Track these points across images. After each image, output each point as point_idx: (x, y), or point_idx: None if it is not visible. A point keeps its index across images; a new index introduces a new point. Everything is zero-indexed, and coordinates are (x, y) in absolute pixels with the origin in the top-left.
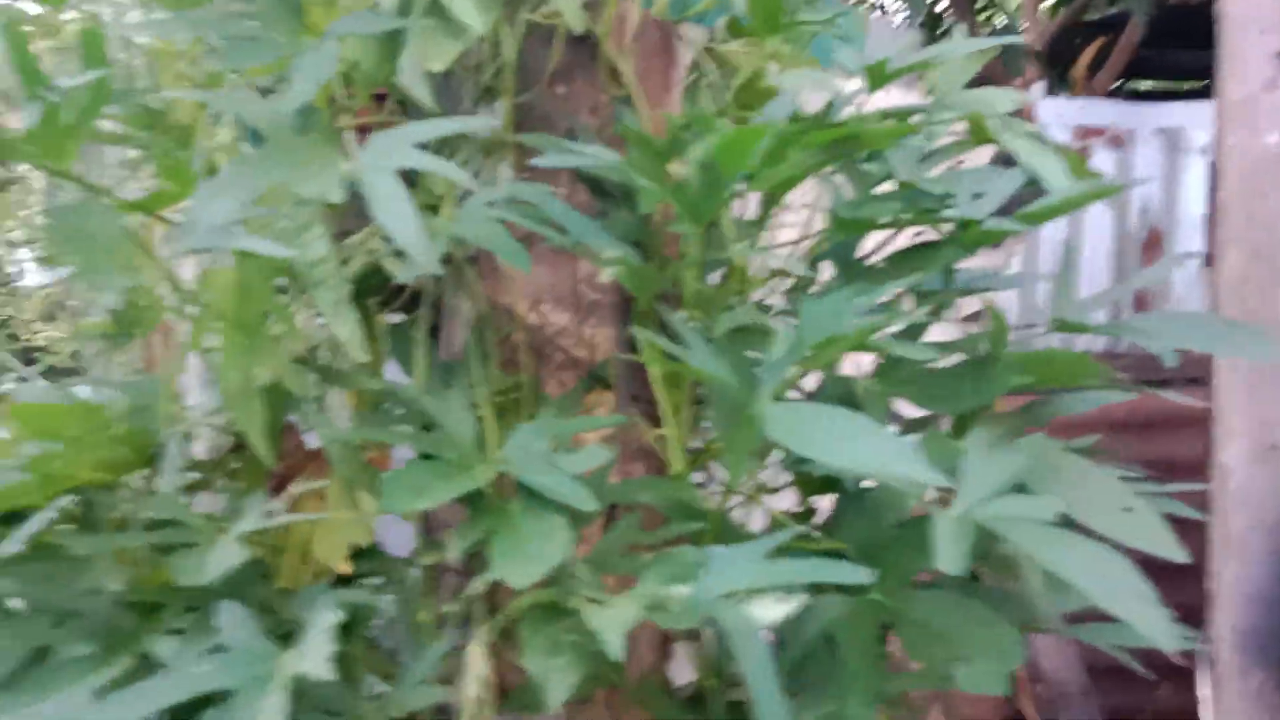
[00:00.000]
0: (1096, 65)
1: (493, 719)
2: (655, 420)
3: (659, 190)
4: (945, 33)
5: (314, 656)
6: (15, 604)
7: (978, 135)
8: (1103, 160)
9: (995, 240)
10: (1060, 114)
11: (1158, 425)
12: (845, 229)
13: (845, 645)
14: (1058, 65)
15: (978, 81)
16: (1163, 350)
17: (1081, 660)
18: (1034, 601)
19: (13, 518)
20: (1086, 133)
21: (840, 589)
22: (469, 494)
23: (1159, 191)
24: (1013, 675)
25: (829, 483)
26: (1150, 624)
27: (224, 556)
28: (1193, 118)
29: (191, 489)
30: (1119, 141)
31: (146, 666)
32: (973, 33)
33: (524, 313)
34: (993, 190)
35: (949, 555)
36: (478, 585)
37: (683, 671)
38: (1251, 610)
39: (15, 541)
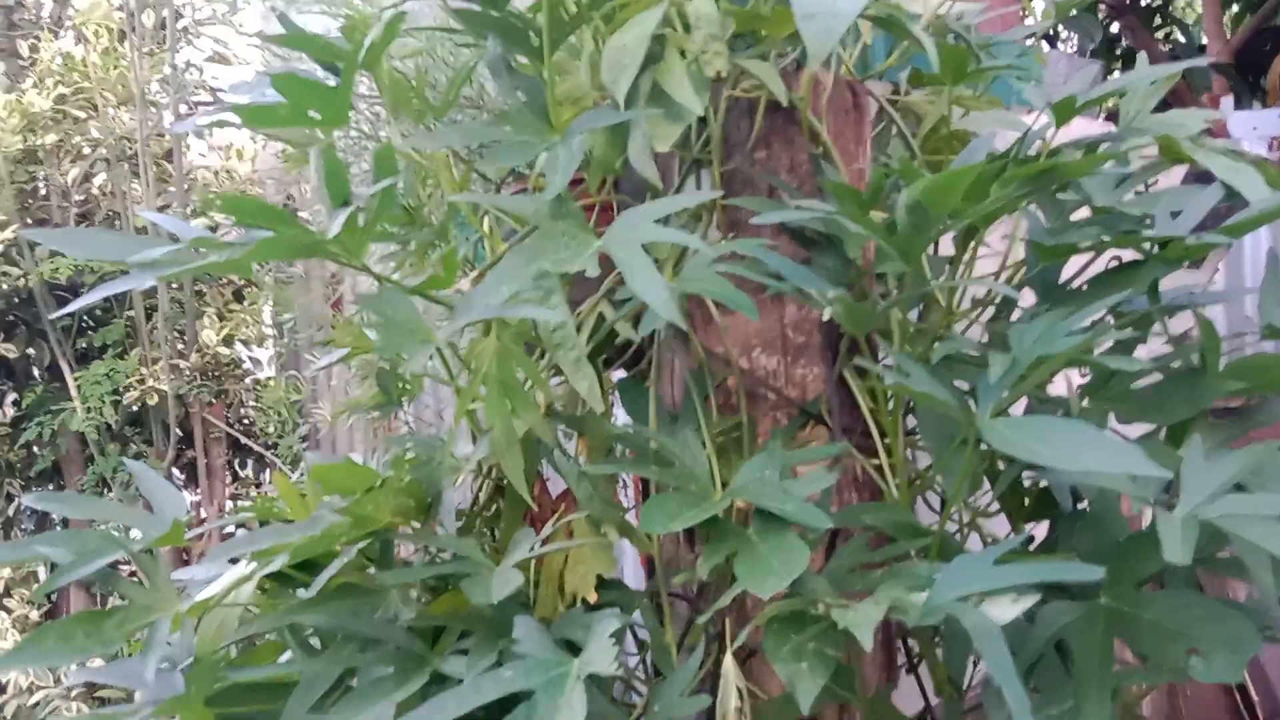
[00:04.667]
0: None
1: None
2: (868, 452)
3: (867, 234)
4: (1123, 53)
5: (601, 659)
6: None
7: (1170, 155)
8: None
9: (1198, 255)
10: (1254, 126)
11: None
12: (1047, 255)
13: (1077, 647)
14: (1248, 76)
15: (1163, 103)
16: None
17: None
18: (1267, 609)
19: (311, 567)
20: None
21: (1068, 595)
22: (708, 521)
23: None
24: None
25: (1041, 508)
26: None
27: (506, 579)
28: None
29: (459, 533)
30: None
31: (438, 682)
32: (1152, 54)
33: (737, 359)
34: (1190, 207)
35: (1175, 549)
36: (725, 600)
37: (908, 701)
38: None
39: (323, 579)
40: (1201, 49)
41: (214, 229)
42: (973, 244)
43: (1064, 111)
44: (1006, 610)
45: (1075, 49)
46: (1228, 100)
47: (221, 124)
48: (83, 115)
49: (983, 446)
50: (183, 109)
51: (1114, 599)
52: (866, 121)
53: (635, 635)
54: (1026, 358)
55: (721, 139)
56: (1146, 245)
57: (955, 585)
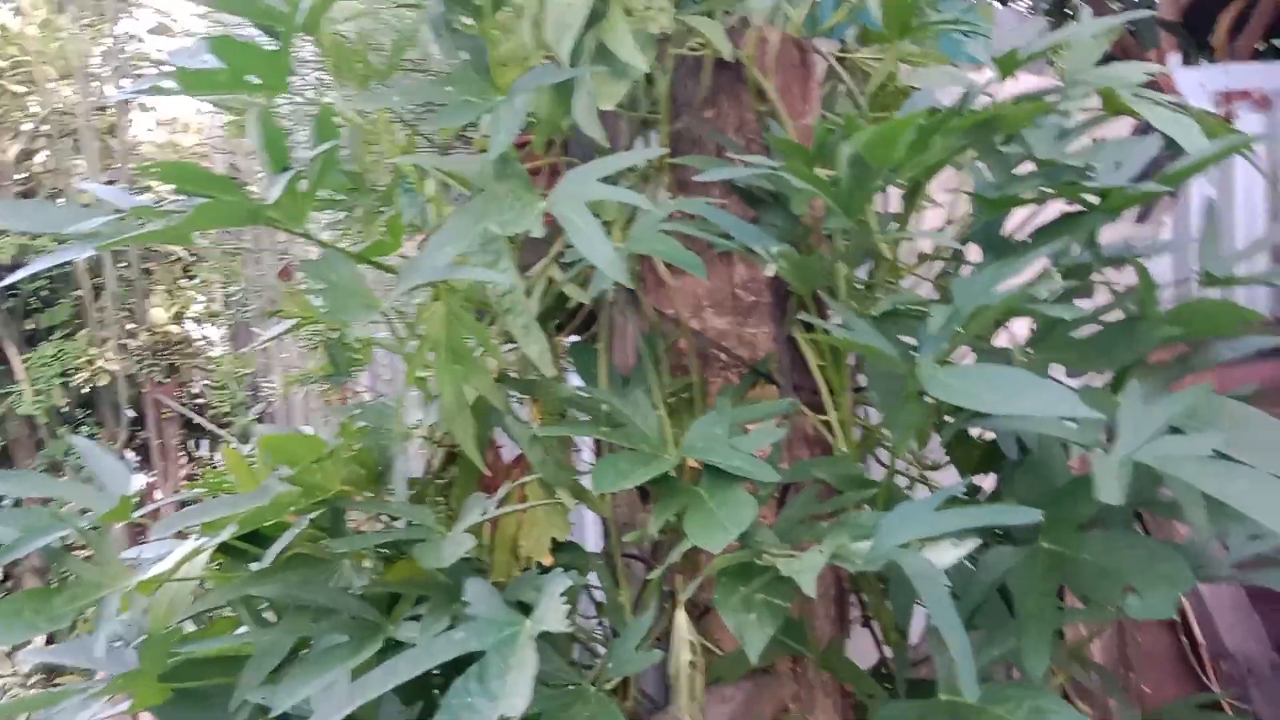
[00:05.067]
0: (1237, 29)
1: (700, 685)
2: (817, 408)
3: (812, 190)
4: (1074, 12)
5: (552, 617)
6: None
7: (1112, 108)
8: (1249, 123)
9: (1135, 203)
10: (1201, 81)
11: None
12: (989, 208)
13: (1018, 589)
14: (1196, 33)
15: (1111, 58)
16: None
17: (1270, 635)
18: (1203, 551)
19: (263, 540)
20: (1230, 97)
21: (1010, 541)
22: (659, 479)
23: None
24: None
25: (989, 459)
26: None
27: (458, 543)
28: None
29: (413, 501)
30: (1265, 103)
31: (393, 649)
32: (1100, 11)
33: (687, 320)
34: (1131, 158)
35: (1109, 488)
36: (674, 556)
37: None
38: None
39: (274, 550)
40: (1150, 7)
41: (159, 203)
42: (918, 199)
43: (1007, 64)
44: (947, 555)
45: (1029, 7)
46: (1176, 58)
47: (160, 91)
48: (21, 90)
49: (926, 398)
50: (125, 82)
51: (1054, 542)
52: (814, 79)
53: (594, 597)
54: (966, 308)
55: (669, 98)
56: (1089, 197)
57: (897, 532)
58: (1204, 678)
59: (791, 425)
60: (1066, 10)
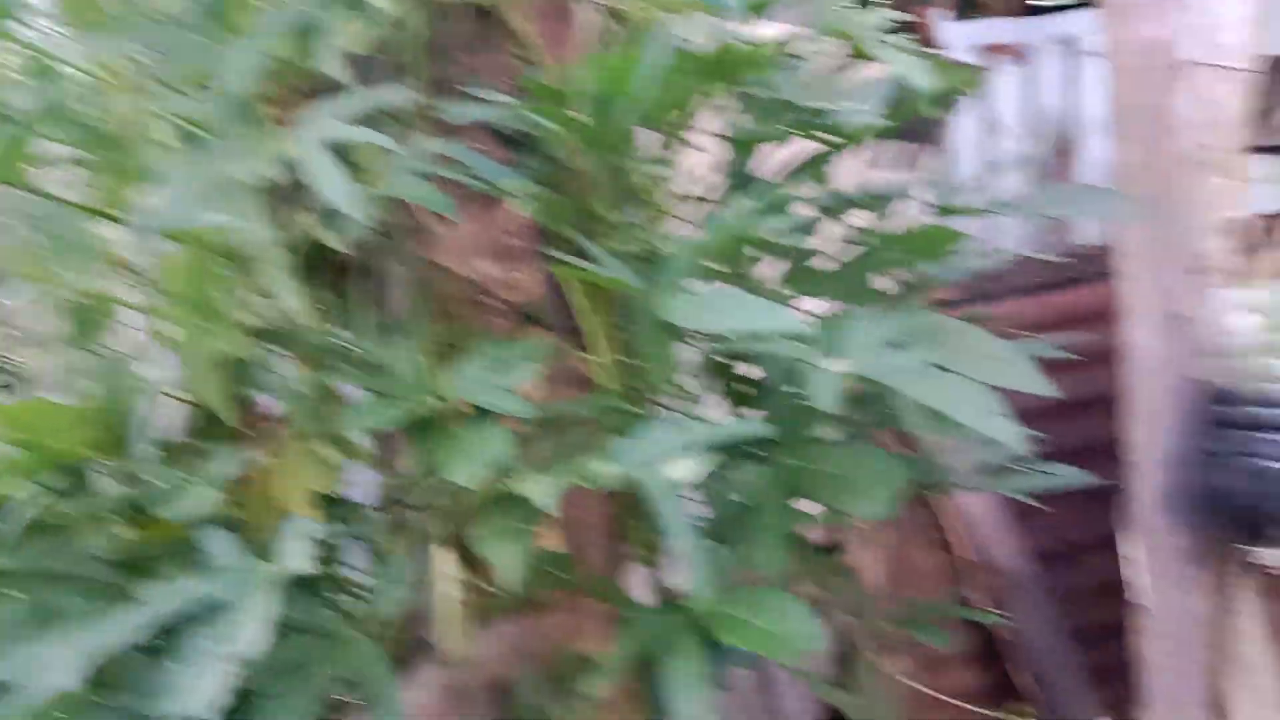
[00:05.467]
0: None
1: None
2: (587, 350)
3: (558, 129)
4: None
5: (294, 556)
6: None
7: (858, 53)
8: (1007, 75)
9: (864, 139)
10: (965, 35)
11: (1087, 318)
12: (738, 148)
13: (758, 501)
14: None
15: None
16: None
17: (1028, 546)
18: (934, 460)
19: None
20: (992, 50)
21: (755, 459)
22: (420, 424)
23: (1060, 100)
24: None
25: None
26: (1000, 430)
27: (200, 496)
28: (1088, 24)
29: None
30: (1020, 55)
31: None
32: None
33: (456, 267)
34: (868, 100)
35: (823, 396)
36: (431, 495)
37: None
38: (1169, 472)
39: (17, 520)
40: None
41: None
42: (675, 140)
43: (756, 6)
44: (682, 470)
45: None
46: (938, 11)
47: None
48: None
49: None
50: None
51: (794, 457)
52: (574, 25)
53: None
54: (706, 238)
55: (425, 43)
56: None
57: (635, 452)
58: (972, 593)
59: (563, 367)
60: None
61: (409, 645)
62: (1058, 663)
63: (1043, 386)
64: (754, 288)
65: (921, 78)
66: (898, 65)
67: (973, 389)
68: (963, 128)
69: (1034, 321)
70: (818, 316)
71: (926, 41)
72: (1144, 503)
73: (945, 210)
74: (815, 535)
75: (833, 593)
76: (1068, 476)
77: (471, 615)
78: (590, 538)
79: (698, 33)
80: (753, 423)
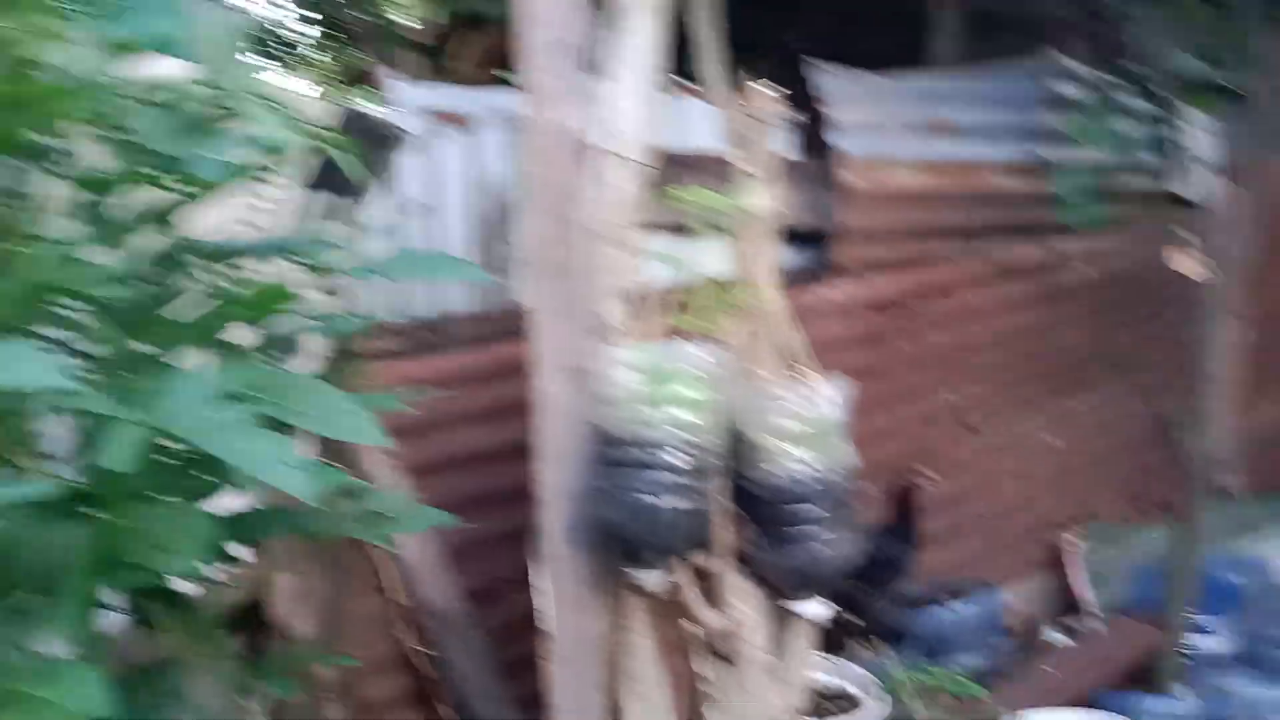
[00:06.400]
0: (486, 60)
1: None
2: None
3: None
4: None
5: None
6: None
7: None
8: (453, 140)
9: (212, 189)
10: (415, 98)
11: (511, 372)
12: (88, 187)
13: (65, 557)
14: (440, 57)
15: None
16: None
17: (459, 587)
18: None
19: None
20: (440, 116)
21: (73, 515)
22: None
23: (502, 167)
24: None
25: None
26: (290, 483)
27: None
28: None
29: None
30: (465, 123)
31: None
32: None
33: None
34: (230, 153)
35: (117, 456)
36: None
37: None
38: (574, 507)
39: None
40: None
41: None
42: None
43: (123, 46)
44: None
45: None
46: (389, 71)
47: None
48: None
49: None
50: None
51: (111, 513)
52: None
53: None
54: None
55: None
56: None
57: None
58: (407, 636)
59: None
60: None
61: None
62: (488, 697)
63: (373, 436)
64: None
65: (274, 129)
66: (258, 120)
67: (272, 443)
68: (410, 186)
69: (483, 372)
70: (126, 372)
71: (383, 102)
72: (550, 536)
73: (315, 269)
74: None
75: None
76: (436, 519)
77: None
78: None
79: (74, 63)
80: (34, 484)
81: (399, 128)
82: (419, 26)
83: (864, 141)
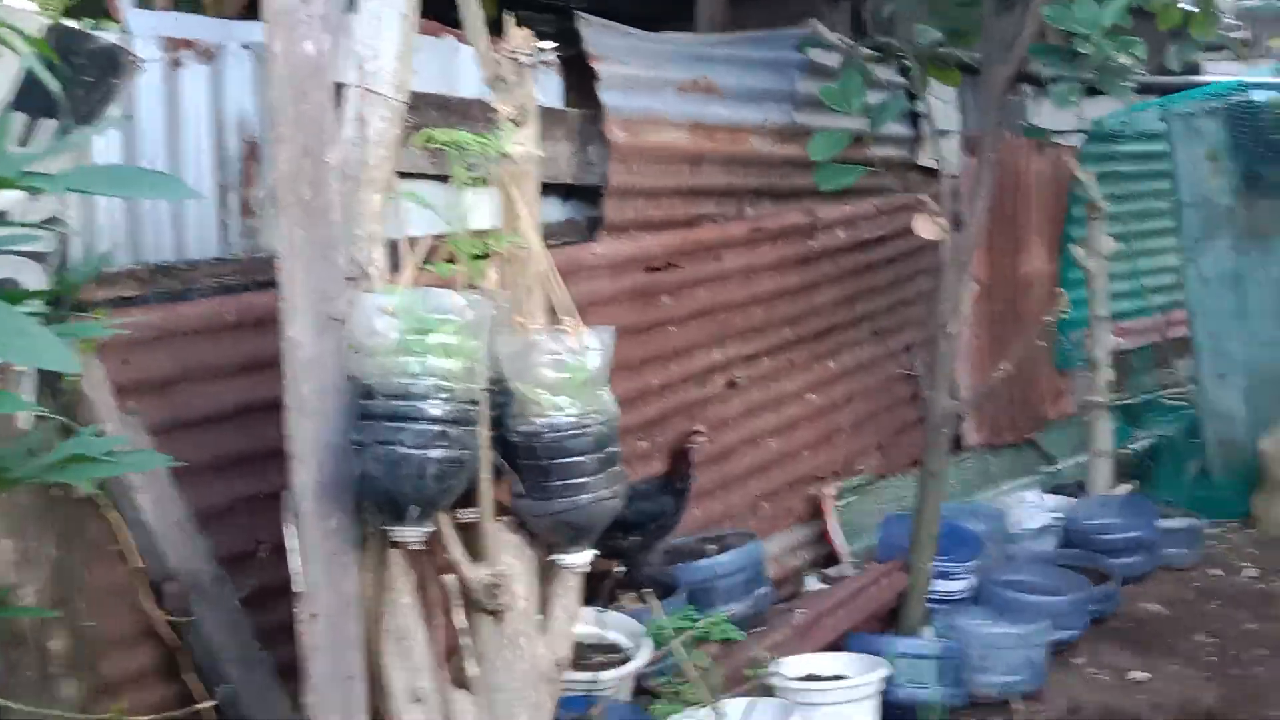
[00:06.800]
0: None
1: None
2: None
3: None
4: None
5: None
6: None
7: None
8: (196, 72)
9: None
10: (152, 25)
11: (266, 323)
12: None
13: None
14: None
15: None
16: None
17: (215, 552)
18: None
19: None
20: (177, 44)
21: None
22: None
23: (253, 103)
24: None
25: None
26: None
27: None
28: None
29: None
30: (209, 55)
31: None
32: None
33: None
34: None
35: None
36: None
37: None
38: (329, 462)
39: None
40: None
41: None
42: None
43: None
44: None
45: None
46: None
47: None
48: None
49: None
50: None
51: None
52: None
53: None
54: None
55: None
56: None
57: None
58: (149, 603)
59: None
60: None
61: None
62: (245, 665)
63: (65, 361)
64: None
65: None
66: None
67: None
68: (146, 119)
69: (231, 322)
70: None
71: (116, 21)
72: (302, 493)
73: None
74: None
75: None
76: (153, 461)
77: None
78: None
79: None
80: None
81: (129, 54)
82: None
83: (632, 98)
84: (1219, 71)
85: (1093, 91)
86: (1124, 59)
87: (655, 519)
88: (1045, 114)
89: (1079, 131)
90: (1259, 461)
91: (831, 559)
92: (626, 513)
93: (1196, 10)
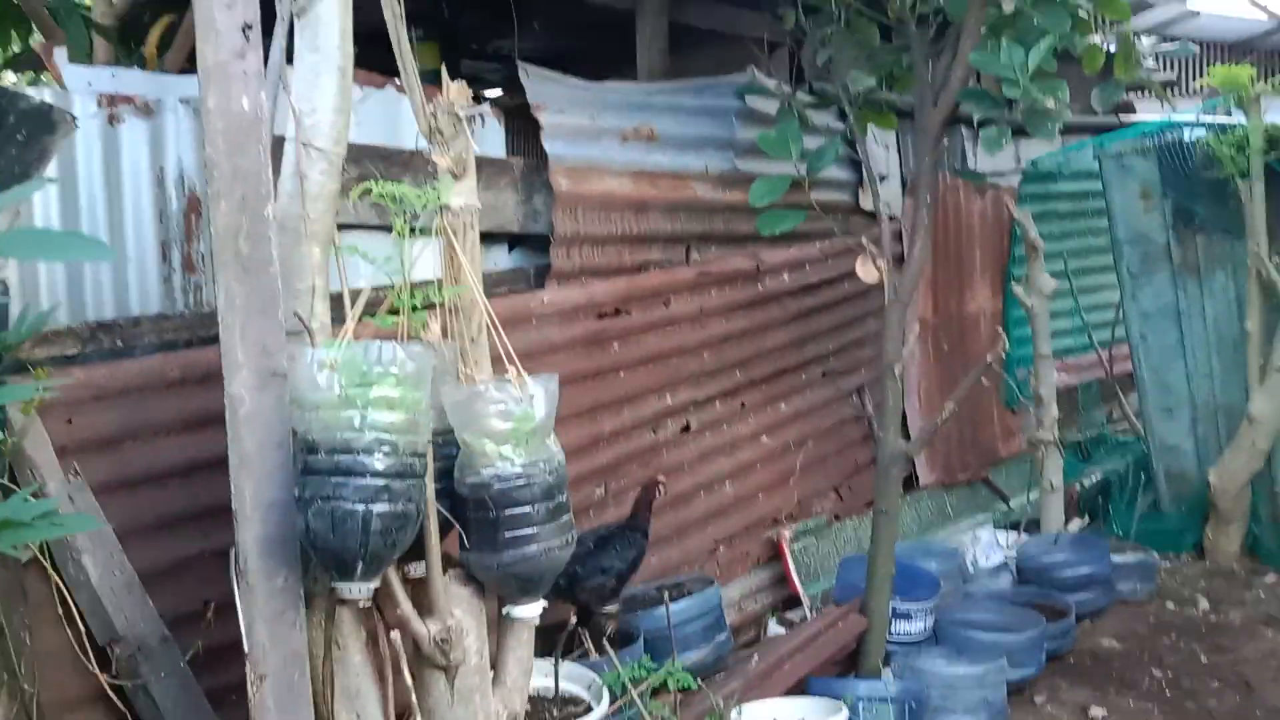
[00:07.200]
0: (168, 43)
1: None
2: None
3: None
4: None
5: None
6: None
7: None
8: (135, 128)
9: None
10: (90, 81)
11: (211, 379)
12: None
13: None
14: (131, 42)
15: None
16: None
17: (162, 613)
18: None
19: None
20: (115, 100)
21: None
22: None
23: (193, 157)
24: None
25: None
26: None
27: None
28: None
29: None
30: (149, 110)
31: None
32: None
33: None
34: None
35: None
36: None
37: None
38: (273, 519)
39: None
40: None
41: None
42: None
43: None
44: None
45: None
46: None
47: None
48: None
49: None
50: None
51: None
52: None
53: None
54: None
55: None
56: None
57: None
58: (96, 667)
59: None
60: None
61: None
62: None
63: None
64: None
65: None
66: None
67: None
68: (85, 176)
69: (174, 379)
70: None
71: (57, 83)
72: (247, 551)
73: None
74: None
75: None
76: (82, 524)
77: None
78: None
79: None
80: None
81: (63, 112)
82: (104, 5)
83: (576, 147)
84: (1152, 111)
85: (1025, 133)
86: (1050, 102)
87: (613, 567)
88: (984, 156)
89: (1019, 172)
90: (1208, 493)
91: (793, 601)
92: (581, 562)
93: (1117, 53)
